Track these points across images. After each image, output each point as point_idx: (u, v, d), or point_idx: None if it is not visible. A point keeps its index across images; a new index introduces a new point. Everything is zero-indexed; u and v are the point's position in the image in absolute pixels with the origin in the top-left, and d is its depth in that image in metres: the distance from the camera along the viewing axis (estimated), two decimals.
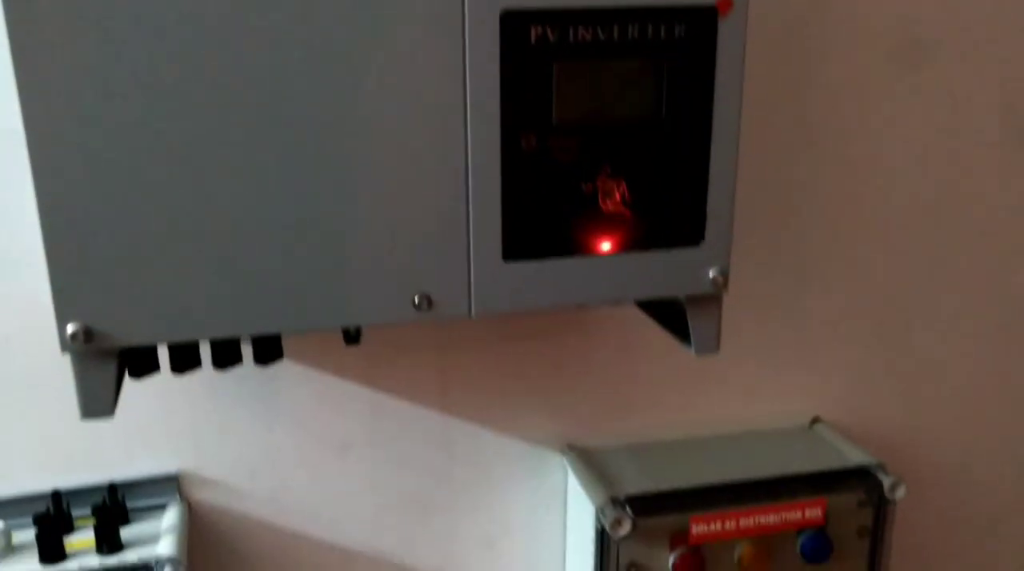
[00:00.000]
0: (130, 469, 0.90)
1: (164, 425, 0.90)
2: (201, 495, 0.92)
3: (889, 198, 1.03)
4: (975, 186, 1.05)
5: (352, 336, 0.75)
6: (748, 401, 1.06)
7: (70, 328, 0.60)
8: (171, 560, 0.81)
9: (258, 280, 0.63)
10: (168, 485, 0.91)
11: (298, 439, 0.94)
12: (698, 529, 0.91)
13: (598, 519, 0.91)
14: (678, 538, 0.92)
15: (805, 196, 1.00)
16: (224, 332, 0.63)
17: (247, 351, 0.74)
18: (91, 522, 0.84)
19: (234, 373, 0.90)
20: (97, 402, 0.63)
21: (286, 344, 0.77)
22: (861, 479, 0.97)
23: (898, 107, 1.00)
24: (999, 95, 1.02)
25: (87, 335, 0.60)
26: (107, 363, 0.62)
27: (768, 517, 0.93)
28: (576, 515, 0.99)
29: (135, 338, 0.62)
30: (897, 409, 1.10)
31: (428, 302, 0.65)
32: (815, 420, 1.08)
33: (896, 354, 1.08)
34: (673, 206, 0.68)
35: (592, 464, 0.99)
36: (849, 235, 1.02)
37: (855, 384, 1.08)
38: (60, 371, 0.72)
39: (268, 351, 0.73)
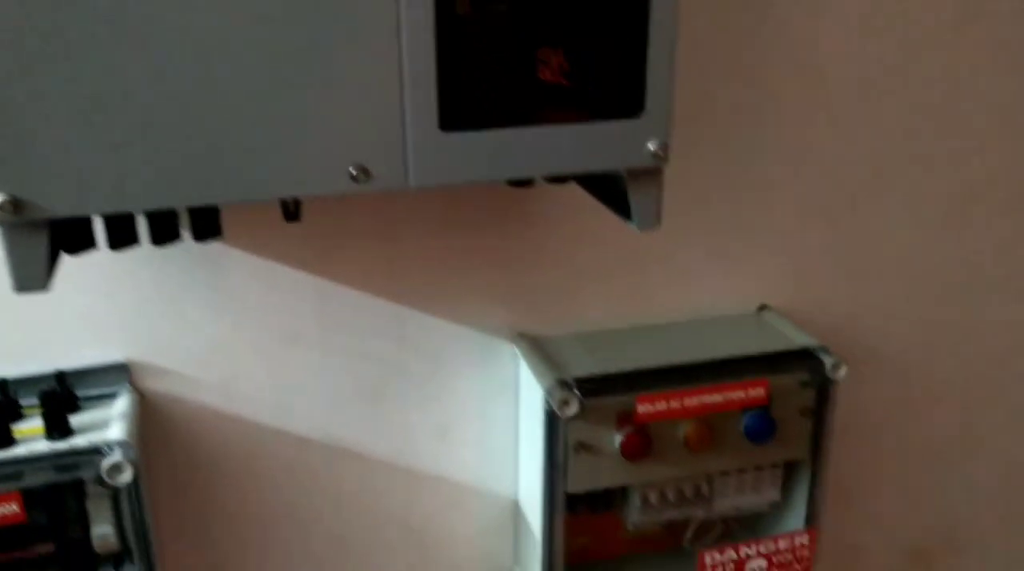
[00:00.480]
0: (78, 359, 0.90)
1: (111, 315, 0.90)
2: (152, 384, 0.93)
3: (837, 77, 1.02)
4: (924, 66, 1.05)
5: (291, 212, 0.75)
6: (696, 288, 1.07)
7: None
8: (121, 443, 0.82)
9: (191, 150, 0.62)
10: (118, 375, 0.91)
11: (248, 329, 0.94)
12: (644, 409, 0.93)
13: (547, 401, 0.92)
14: (624, 418, 0.94)
15: (751, 74, 0.99)
16: (157, 203, 0.63)
17: (185, 227, 0.74)
18: (39, 411, 0.85)
19: (180, 262, 0.90)
20: (30, 275, 0.62)
21: (227, 225, 0.77)
22: (804, 361, 0.99)
23: None
24: None
25: (15, 206, 0.60)
26: (38, 235, 0.62)
27: (712, 397, 0.95)
28: (527, 400, 1.01)
29: (64, 209, 0.61)
30: (844, 294, 1.12)
31: (365, 173, 0.65)
32: (762, 307, 1.10)
33: (844, 238, 1.10)
34: (612, 76, 0.68)
35: (542, 351, 1.00)
36: (796, 116, 1.02)
37: (803, 269, 1.10)
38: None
39: (206, 226, 0.72)
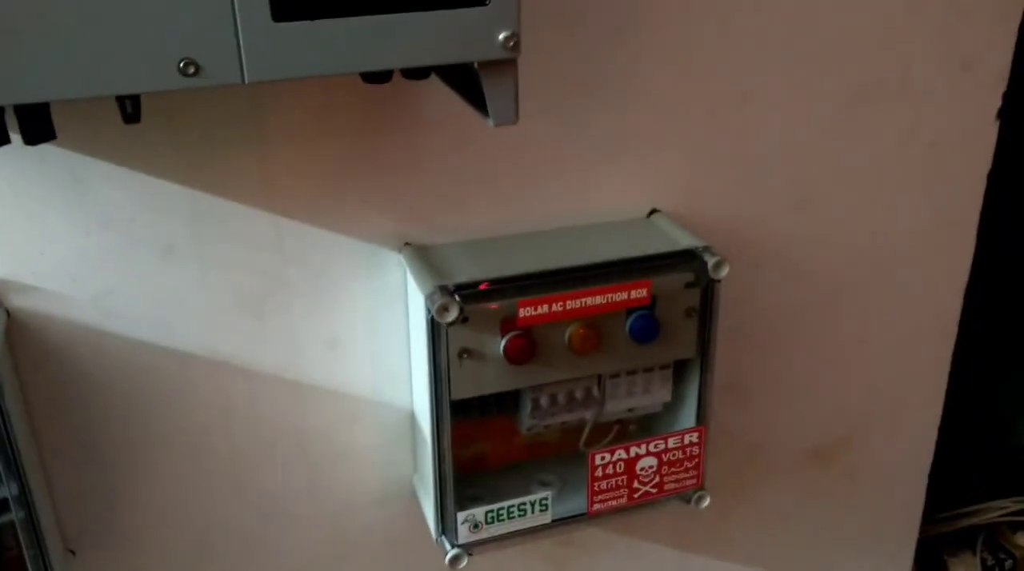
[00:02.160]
0: None
1: None
2: (20, 302, 0.90)
3: None
4: None
5: (129, 114, 0.72)
6: (585, 195, 1.06)
7: None
8: None
9: (13, 45, 0.58)
10: None
11: (117, 242, 0.91)
12: (526, 312, 0.93)
13: (427, 308, 0.91)
14: (508, 323, 0.94)
15: None
16: None
17: (15, 131, 0.71)
18: None
19: (41, 175, 0.86)
20: None
21: (66, 128, 0.74)
22: (688, 261, 1.00)
23: None
24: None
25: None
26: None
27: (595, 299, 0.95)
28: (414, 309, 1.00)
29: None
30: (736, 195, 1.12)
31: (195, 67, 0.62)
32: (652, 211, 1.09)
33: (734, 139, 1.09)
34: None
35: (427, 259, 0.99)
36: (683, 12, 1.00)
37: (694, 172, 1.09)
38: None
39: (37, 128, 0.69)
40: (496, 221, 1.04)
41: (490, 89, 0.71)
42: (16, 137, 0.72)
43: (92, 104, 0.75)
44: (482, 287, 0.93)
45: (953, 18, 1.11)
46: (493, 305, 0.93)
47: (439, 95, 0.93)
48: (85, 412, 0.96)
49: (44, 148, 0.84)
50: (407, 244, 1.01)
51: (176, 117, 0.88)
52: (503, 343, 0.94)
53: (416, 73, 0.80)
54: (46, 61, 0.59)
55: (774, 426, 1.29)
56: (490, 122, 0.72)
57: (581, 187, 1.05)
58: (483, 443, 1.09)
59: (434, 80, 0.85)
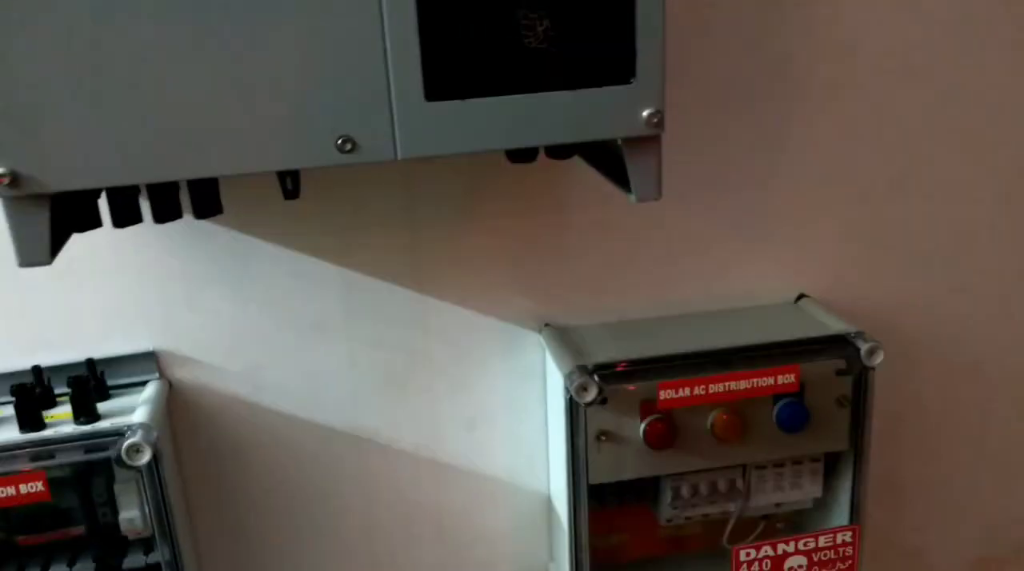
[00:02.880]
0: (110, 348, 0.93)
1: (140, 305, 0.92)
2: (180, 373, 0.95)
3: (878, 50, 0.99)
4: (973, 39, 1.00)
5: (289, 190, 0.76)
6: (730, 278, 1.04)
7: None
8: (141, 425, 0.84)
9: (183, 123, 0.63)
10: (147, 363, 0.94)
11: (272, 318, 0.95)
12: (666, 395, 0.91)
13: (566, 388, 0.91)
14: (648, 406, 0.92)
15: (779, 48, 0.97)
16: (152, 177, 0.64)
17: (187, 206, 0.75)
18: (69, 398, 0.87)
19: (205, 253, 0.92)
20: (32, 249, 0.65)
21: (243, 210, 0.78)
22: (840, 347, 0.96)
23: None
24: None
25: (14, 179, 0.62)
26: (39, 209, 0.64)
27: (740, 383, 0.92)
28: (552, 389, 1.00)
29: (62, 183, 0.63)
30: (887, 283, 1.07)
31: (352, 144, 0.65)
32: (800, 296, 1.06)
33: (886, 226, 1.05)
34: (599, 41, 0.67)
35: (567, 340, 0.99)
36: (834, 91, 0.99)
37: (843, 258, 1.06)
38: None
39: (206, 203, 0.74)
40: (638, 303, 1.03)
41: (633, 165, 0.71)
42: (187, 214, 0.77)
43: (256, 182, 0.79)
44: (621, 367, 0.92)
45: None
46: (632, 386, 0.91)
47: (582, 177, 0.94)
48: (234, 480, 0.99)
49: (211, 228, 0.90)
50: (547, 325, 1.01)
51: (332, 198, 0.92)
52: (643, 427, 0.92)
53: (560, 152, 0.81)
54: (216, 138, 0.64)
55: (934, 530, 1.20)
56: (632, 198, 0.73)
57: (725, 270, 1.03)
58: (621, 533, 1.06)
59: (577, 161, 0.86)
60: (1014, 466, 1.19)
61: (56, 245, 0.67)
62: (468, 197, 0.96)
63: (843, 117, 1.00)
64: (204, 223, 0.89)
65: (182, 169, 0.65)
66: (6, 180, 0.62)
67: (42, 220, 0.64)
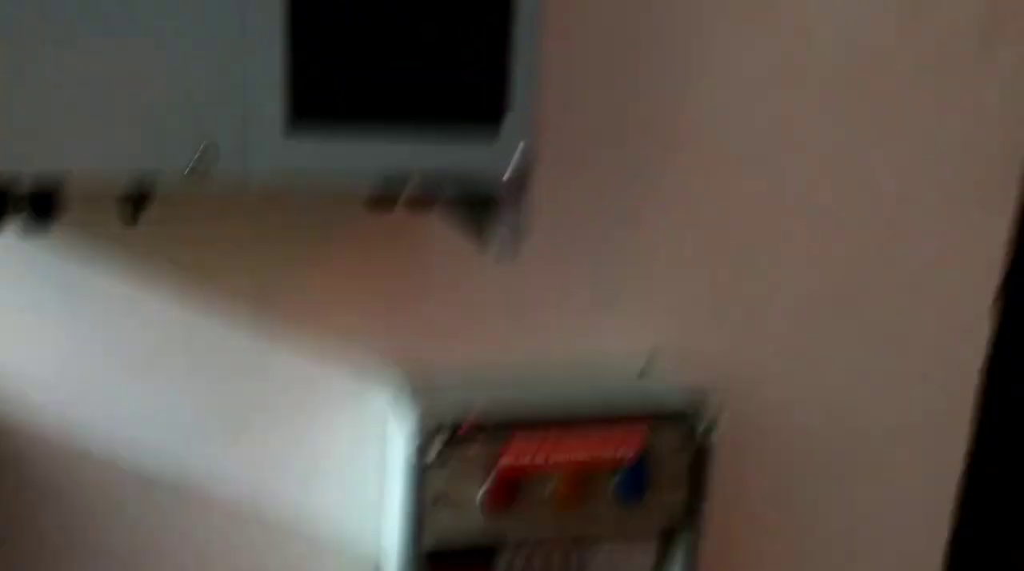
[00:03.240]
0: None
1: None
2: None
3: (733, 120, 1.02)
4: (819, 113, 1.05)
5: (130, 216, 0.72)
6: (581, 332, 1.04)
7: None
8: None
9: (36, 118, 0.59)
10: None
11: (102, 352, 0.89)
12: (506, 461, 0.89)
13: (408, 446, 0.88)
14: (490, 469, 0.90)
15: (640, 111, 0.99)
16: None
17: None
18: None
19: (39, 278, 0.85)
20: None
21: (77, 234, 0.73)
22: (680, 421, 0.97)
23: (743, 30, 1.00)
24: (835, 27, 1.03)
25: None
26: None
27: (582, 453, 0.92)
28: (393, 445, 0.96)
29: None
30: (736, 347, 1.10)
31: (202, 171, 0.62)
32: (649, 355, 1.06)
33: (737, 289, 1.08)
34: (470, 88, 0.66)
35: (414, 394, 0.96)
36: (689, 157, 1.02)
37: (694, 318, 1.07)
38: None
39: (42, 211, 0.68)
40: (489, 355, 1.01)
41: (494, 224, 0.71)
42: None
43: (96, 207, 0.74)
44: (462, 431, 0.89)
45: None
46: (477, 449, 0.90)
47: (439, 231, 0.93)
48: (39, 528, 0.90)
49: (46, 256, 0.84)
50: (395, 377, 0.98)
51: (178, 231, 0.87)
52: (482, 491, 0.90)
53: (419, 205, 0.80)
54: (67, 136, 0.60)
55: None
56: (492, 253, 0.72)
57: (577, 324, 1.03)
58: None
59: (434, 217, 0.85)
60: (847, 543, 1.23)
61: None
62: (322, 240, 0.92)
63: (693, 190, 1.03)
64: (39, 250, 0.83)
65: (35, 164, 0.59)
66: None
67: None
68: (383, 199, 0.79)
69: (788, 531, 1.20)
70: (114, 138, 0.60)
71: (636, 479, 0.94)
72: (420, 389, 0.98)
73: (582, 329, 1.04)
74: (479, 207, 0.73)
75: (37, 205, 0.69)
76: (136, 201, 0.72)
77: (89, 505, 0.92)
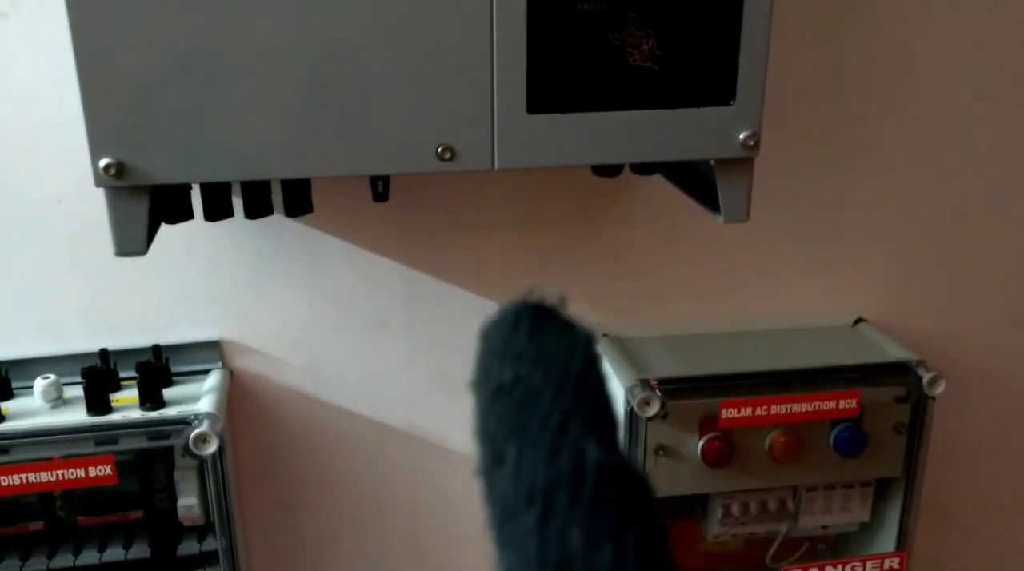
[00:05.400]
0: (176, 335, 0.93)
1: (208, 295, 0.93)
2: (243, 363, 0.95)
3: (943, 82, 0.99)
4: None
5: (380, 192, 0.76)
6: (790, 297, 1.04)
7: (103, 162, 0.62)
8: (208, 415, 0.84)
9: (285, 123, 0.64)
10: (211, 352, 0.94)
11: (337, 314, 0.96)
12: (728, 414, 0.91)
13: (628, 401, 0.91)
14: (708, 423, 0.92)
15: (853, 76, 0.97)
16: (251, 174, 0.65)
17: (278, 203, 0.76)
18: (135, 382, 0.88)
19: (276, 247, 0.92)
20: (130, 239, 0.65)
21: (319, 208, 0.79)
22: (900, 374, 0.96)
23: None
24: None
25: (119, 170, 0.62)
26: (139, 200, 0.64)
27: (801, 406, 0.92)
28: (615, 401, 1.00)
29: (165, 176, 0.63)
30: (947, 309, 1.07)
31: (451, 153, 0.66)
32: (859, 320, 1.06)
33: (949, 252, 1.05)
34: (703, 62, 0.67)
35: (626, 352, 0.99)
36: (900, 121, 0.99)
37: (904, 283, 1.06)
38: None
39: (298, 202, 0.74)
40: (697, 318, 1.03)
41: (724, 187, 0.72)
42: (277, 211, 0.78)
43: (345, 183, 0.79)
44: (682, 384, 0.92)
45: None
46: (694, 401, 0.92)
47: (649, 189, 0.95)
48: (287, 472, 1.00)
49: (282, 222, 0.90)
50: (605, 335, 1.01)
51: (401, 198, 0.92)
52: (701, 443, 0.93)
53: (646, 168, 0.81)
54: (321, 141, 0.64)
55: (982, 559, 1.20)
56: (721, 218, 0.73)
57: (786, 290, 1.03)
58: None
59: (656, 177, 0.86)
60: None
61: (150, 236, 0.67)
62: (537, 205, 0.96)
63: (913, 144, 1.00)
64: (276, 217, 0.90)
65: (285, 168, 0.65)
66: (112, 170, 0.62)
67: (141, 211, 0.65)
68: (610, 165, 0.81)
69: (1005, 485, 1.17)
70: (360, 144, 0.65)
71: (855, 433, 0.94)
72: (630, 346, 1.00)
73: (788, 290, 1.03)
74: (702, 171, 0.74)
75: (294, 192, 0.75)
76: (385, 180, 0.77)
77: (329, 454, 1.00)
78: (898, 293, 1.06)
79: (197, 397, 0.89)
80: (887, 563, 0.99)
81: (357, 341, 0.97)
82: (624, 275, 1.00)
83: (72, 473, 0.81)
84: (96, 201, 0.71)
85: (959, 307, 1.08)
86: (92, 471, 0.82)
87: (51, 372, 0.88)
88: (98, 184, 0.63)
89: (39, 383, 0.86)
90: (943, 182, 1.03)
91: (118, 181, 0.63)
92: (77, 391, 0.88)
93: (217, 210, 0.73)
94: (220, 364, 0.94)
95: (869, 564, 0.99)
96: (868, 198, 1.02)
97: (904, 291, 1.06)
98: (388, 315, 0.97)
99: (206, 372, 0.94)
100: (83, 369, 0.86)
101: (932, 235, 1.04)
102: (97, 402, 0.86)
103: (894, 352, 0.99)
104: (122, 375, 0.91)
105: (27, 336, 0.90)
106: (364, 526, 1.03)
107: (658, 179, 0.86)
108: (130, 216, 0.65)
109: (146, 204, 0.65)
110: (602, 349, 1.00)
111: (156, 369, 0.89)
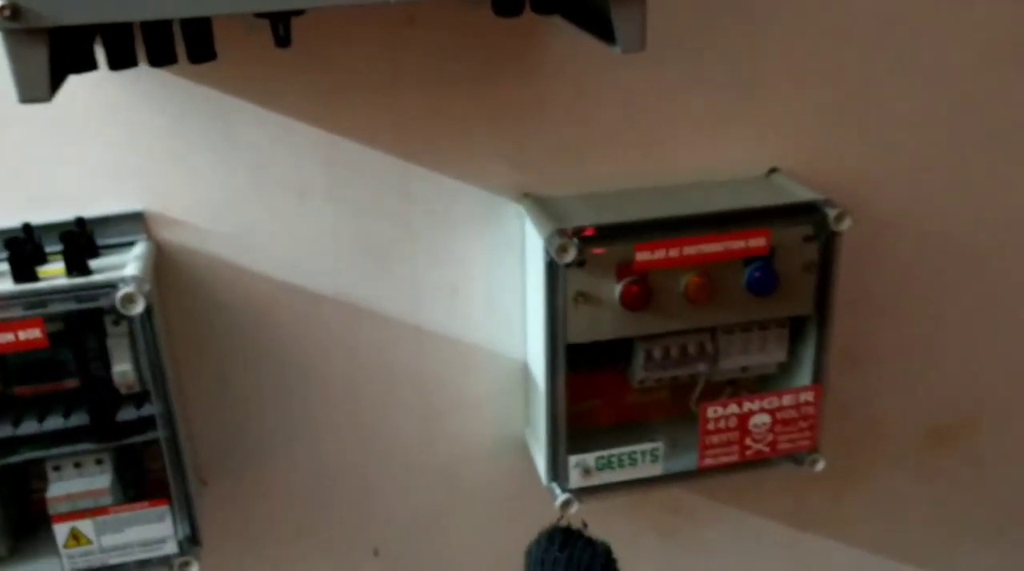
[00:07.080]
0: (98, 208, 0.94)
1: (127, 165, 0.94)
2: (167, 235, 0.97)
3: None
4: None
5: (281, 36, 0.77)
6: (705, 150, 1.07)
7: None
8: (134, 278, 0.86)
9: None
10: (134, 224, 0.95)
11: (258, 183, 0.97)
12: (642, 257, 0.95)
13: (546, 250, 0.94)
14: (624, 268, 0.96)
15: None
16: (148, 14, 0.65)
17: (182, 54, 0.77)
18: (61, 255, 0.89)
19: (192, 112, 0.93)
20: (32, 85, 0.66)
21: (223, 56, 0.79)
22: (808, 213, 1.00)
23: None
24: None
25: (14, 11, 0.63)
26: (38, 44, 0.65)
27: (712, 246, 0.96)
28: (532, 258, 1.03)
29: (61, 17, 0.64)
30: (859, 156, 1.11)
31: None
32: (772, 170, 1.09)
33: (858, 98, 1.08)
34: None
35: (547, 208, 1.01)
36: None
37: (814, 131, 1.09)
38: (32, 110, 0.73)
39: (200, 48, 0.75)
40: (615, 174, 1.06)
41: (619, 14, 0.73)
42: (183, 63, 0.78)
43: (245, 35, 0.80)
44: (595, 231, 0.95)
45: None
46: (610, 248, 0.95)
47: (562, 43, 0.96)
48: (219, 343, 1.02)
49: (197, 88, 0.91)
50: (526, 195, 1.04)
51: (317, 58, 0.93)
52: (619, 288, 0.96)
53: (545, 7, 0.83)
54: None
55: (893, 399, 1.26)
56: (618, 49, 0.75)
57: (701, 142, 1.06)
58: (594, 400, 1.11)
59: (559, 22, 0.88)
60: (970, 336, 1.25)
61: (54, 85, 0.68)
62: (450, 62, 0.97)
63: None
64: (191, 82, 0.90)
65: (184, 6, 0.66)
66: (7, 12, 0.62)
67: (40, 55, 0.65)
68: (511, 3, 0.82)
69: (917, 326, 1.23)
70: None
71: (766, 272, 0.98)
72: (551, 203, 1.03)
73: (704, 143, 1.06)
74: (598, 10, 0.75)
75: (195, 35, 0.75)
76: (285, 22, 0.77)
77: (260, 322, 1.02)
78: (810, 141, 1.09)
79: (122, 265, 0.90)
80: (802, 396, 1.04)
81: (280, 210, 0.98)
82: (542, 134, 1.02)
83: (2, 337, 0.83)
84: None
85: (873, 152, 1.11)
86: (22, 334, 0.83)
87: None
88: None
89: None
90: (850, 26, 1.05)
91: (13, 23, 0.63)
92: (2, 266, 0.89)
93: (119, 58, 0.74)
94: (144, 236, 0.95)
95: (785, 398, 1.04)
96: (779, 46, 1.04)
97: (815, 139, 1.09)
98: (309, 183, 0.98)
99: (131, 244, 0.95)
100: (5, 239, 0.87)
101: (841, 81, 1.07)
102: (23, 273, 0.87)
103: (803, 194, 1.02)
104: (48, 250, 0.92)
105: None
106: (302, 392, 1.06)
107: (562, 25, 0.88)
108: (30, 60, 0.65)
109: (44, 48, 0.65)
110: (524, 208, 1.03)
111: (80, 238, 0.90)
